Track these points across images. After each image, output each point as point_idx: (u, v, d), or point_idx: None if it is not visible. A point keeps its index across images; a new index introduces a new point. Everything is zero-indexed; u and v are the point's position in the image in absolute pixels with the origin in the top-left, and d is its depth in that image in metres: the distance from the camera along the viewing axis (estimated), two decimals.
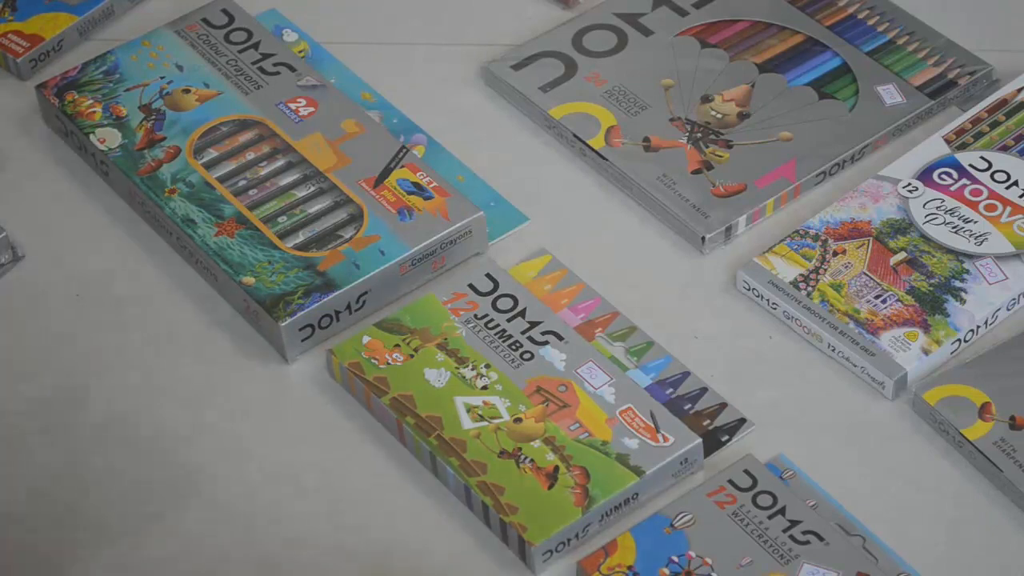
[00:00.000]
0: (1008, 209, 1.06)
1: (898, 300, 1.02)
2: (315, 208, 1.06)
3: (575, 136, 1.13)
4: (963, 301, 1.02)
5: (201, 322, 1.04)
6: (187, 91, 1.12)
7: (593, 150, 1.12)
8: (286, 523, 0.94)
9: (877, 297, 1.02)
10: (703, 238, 1.07)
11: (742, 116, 1.13)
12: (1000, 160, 1.09)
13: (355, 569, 0.93)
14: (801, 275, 1.03)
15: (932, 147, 1.10)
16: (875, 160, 1.12)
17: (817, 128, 1.12)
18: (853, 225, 1.06)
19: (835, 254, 1.04)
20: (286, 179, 1.08)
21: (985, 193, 1.07)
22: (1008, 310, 1.03)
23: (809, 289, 1.03)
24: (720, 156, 1.11)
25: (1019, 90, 1.13)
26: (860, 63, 1.16)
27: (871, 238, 1.05)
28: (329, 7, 1.23)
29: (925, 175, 1.08)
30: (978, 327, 1.01)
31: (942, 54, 1.17)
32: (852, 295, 1.02)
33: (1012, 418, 0.96)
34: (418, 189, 1.06)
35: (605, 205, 1.11)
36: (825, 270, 1.04)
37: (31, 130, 1.16)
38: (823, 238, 1.05)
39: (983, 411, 0.96)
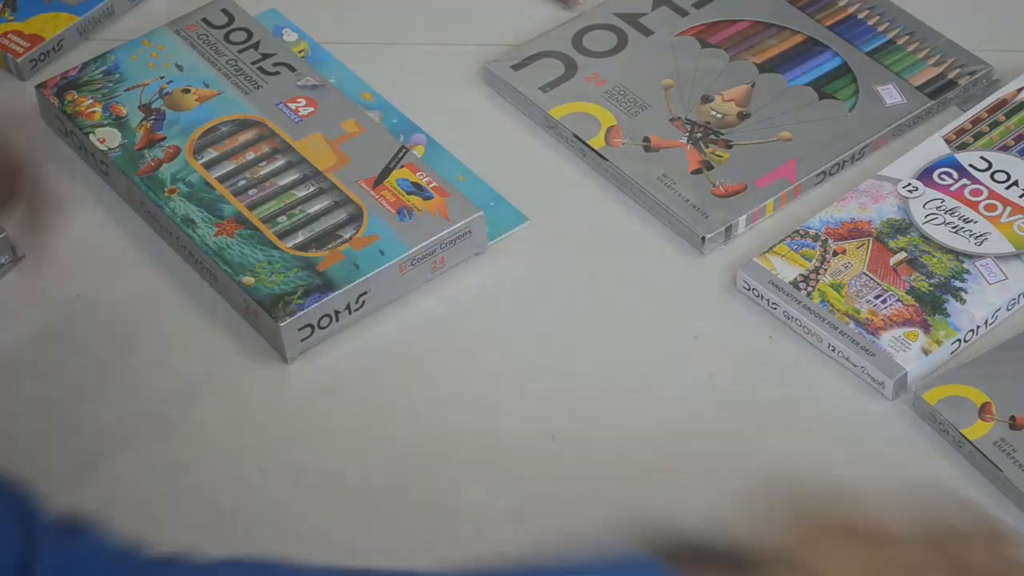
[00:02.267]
0: (1008, 209, 1.06)
1: (898, 300, 1.02)
2: (315, 208, 1.06)
3: (575, 136, 1.13)
4: (963, 301, 1.02)
5: (201, 322, 1.04)
6: (187, 91, 1.12)
7: (593, 150, 1.12)
8: (286, 523, 0.94)
9: (877, 297, 1.02)
10: (703, 238, 1.07)
11: (742, 116, 1.13)
12: (1000, 160, 1.09)
13: None
14: (801, 275, 1.03)
15: (932, 147, 1.10)
16: (875, 160, 1.12)
17: (817, 128, 1.12)
18: (853, 225, 1.06)
19: (835, 254, 1.04)
20: (286, 179, 1.08)
21: (985, 193, 1.07)
22: (1008, 310, 1.03)
23: (809, 289, 1.03)
24: (720, 156, 1.11)
25: (1019, 90, 1.13)
26: (860, 63, 1.16)
27: (871, 238, 1.05)
28: (329, 7, 1.23)
29: (925, 175, 1.08)
30: (978, 327, 1.01)
31: (942, 54, 1.17)
32: (852, 295, 1.02)
33: (1012, 418, 0.96)
34: (418, 189, 1.06)
35: (605, 205, 1.10)
36: (825, 270, 1.04)
37: (31, 130, 1.15)
38: (823, 238, 1.05)
39: (983, 411, 0.96)
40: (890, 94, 1.14)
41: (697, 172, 1.10)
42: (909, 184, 1.08)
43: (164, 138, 1.10)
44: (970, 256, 1.04)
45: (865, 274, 1.03)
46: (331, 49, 1.19)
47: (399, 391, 1.01)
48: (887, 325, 1.01)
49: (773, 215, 1.09)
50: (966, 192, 1.07)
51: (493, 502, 0.95)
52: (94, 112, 1.11)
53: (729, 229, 1.07)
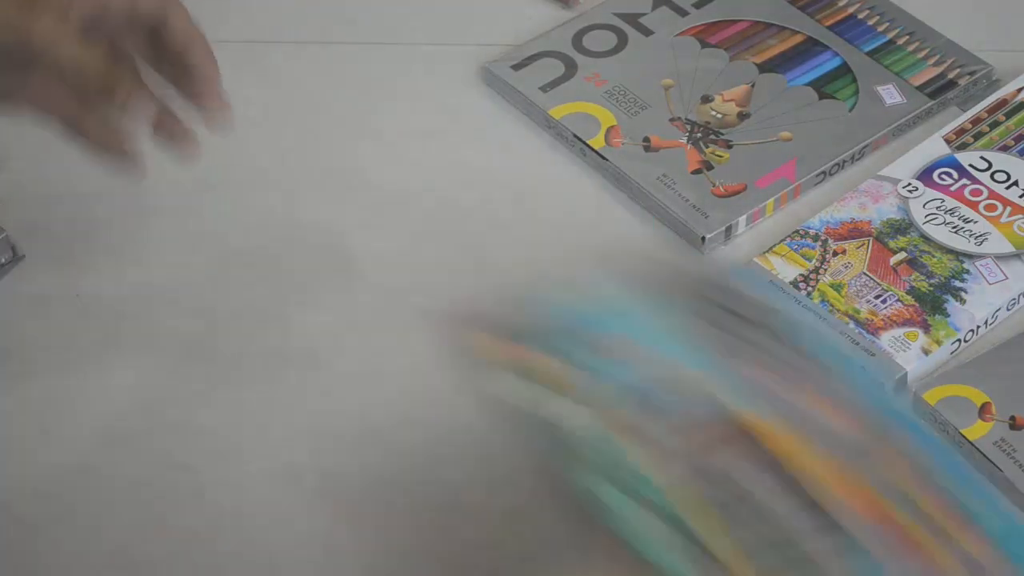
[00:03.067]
0: (1008, 209, 1.06)
1: (898, 300, 1.02)
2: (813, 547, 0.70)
3: (575, 136, 1.13)
4: (963, 301, 1.02)
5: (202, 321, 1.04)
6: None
7: (593, 150, 1.12)
8: (286, 523, 0.94)
9: (877, 297, 1.02)
10: (703, 238, 1.06)
11: (742, 116, 1.13)
12: (1000, 160, 1.09)
13: (355, 571, 0.93)
14: (801, 275, 1.03)
15: (932, 147, 1.10)
16: (875, 160, 1.12)
17: (817, 128, 1.12)
18: (853, 225, 1.06)
19: (835, 254, 1.04)
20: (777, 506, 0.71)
21: (985, 193, 1.07)
22: (1008, 310, 1.03)
23: (809, 289, 1.03)
24: (720, 156, 1.11)
25: (1019, 90, 1.13)
26: (860, 63, 1.16)
27: (871, 238, 1.05)
28: (331, 7, 1.23)
29: (925, 175, 1.08)
30: (978, 327, 1.01)
31: (942, 54, 1.17)
32: (852, 295, 1.02)
33: (1012, 418, 0.96)
34: None
35: (605, 205, 1.10)
36: (825, 270, 1.04)
37: (32, 129, 1.15)
38: (823, 238, 1.05)
39: (983, 411, 0.96)
40: (890, 94, 1.14)
41: (697, 172, 1.10)
42: (909, 184, 1.08)
43: None
44: (970, 256, 1.04)
45: (865, 274, 1.03)
46: (332, 49, 1.19)
47: (399, 391, 1.01)
48: (887, 325, 1.01)
49: (773, 215, 1.09)
50: (966, 192, 1.07)
51: (493, 502, 0.95)
52: None
53: (729, 229, 1.07)
